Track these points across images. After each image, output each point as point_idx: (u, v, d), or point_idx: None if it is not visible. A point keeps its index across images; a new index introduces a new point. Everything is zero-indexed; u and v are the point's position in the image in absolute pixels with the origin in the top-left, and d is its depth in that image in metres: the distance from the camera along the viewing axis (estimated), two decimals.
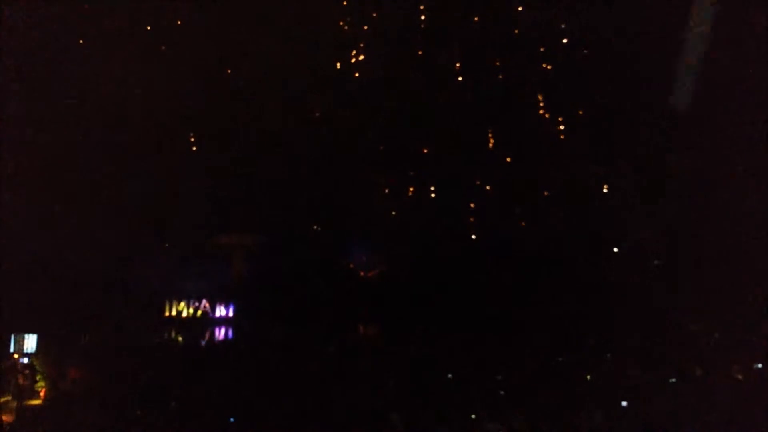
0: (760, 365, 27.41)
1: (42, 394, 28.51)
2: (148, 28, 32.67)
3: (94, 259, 29.51)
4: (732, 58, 27.93)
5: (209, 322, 32.10)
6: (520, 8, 33.64)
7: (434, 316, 28.75)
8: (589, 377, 29.02)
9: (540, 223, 30.79)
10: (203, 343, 31.87)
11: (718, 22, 27.89)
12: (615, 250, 31.19)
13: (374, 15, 34.24)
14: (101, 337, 29.80)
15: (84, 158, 30.81)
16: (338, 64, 34.29)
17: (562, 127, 31.77)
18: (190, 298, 32.01)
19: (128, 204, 30.58)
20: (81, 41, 32.39)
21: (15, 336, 29.35)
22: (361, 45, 34.13)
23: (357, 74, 34.28)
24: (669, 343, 28.31)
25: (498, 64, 32.94)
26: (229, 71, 32.95)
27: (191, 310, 32.09)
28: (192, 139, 32.39)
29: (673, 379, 28.33)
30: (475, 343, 28.01)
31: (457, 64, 33.41)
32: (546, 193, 31.22)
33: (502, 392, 27.03)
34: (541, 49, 32.54)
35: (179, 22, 32.78)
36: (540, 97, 32.32)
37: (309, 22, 32.93)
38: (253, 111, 32.50)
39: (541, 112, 32.08)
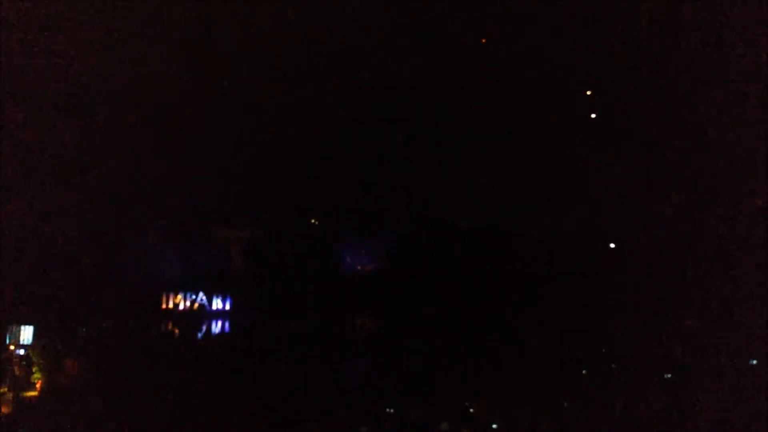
0: (755, 361, 27.58)
1: (38, 385, 28.48)
2: (146, 20, 32.47)
3: (90, 250, 29.40)
4: (732, 56, 28.05)
5: (206, 315, 32.14)
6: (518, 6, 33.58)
7: (432, 309, 28.85)
8: (584, 372, 29.25)
9: (538, 218, 30.85)
10: (200, 336, 31.91)
11: (718, 20, 27.99)
12: (612, 245, 31.29)
13: (370, 8, 34.14)
14: (97, 329, 29.75)
15: (80, 149, 30.63)
16: (334, 60, 34.21)
17: (562, 123, 31.82)
18: (187, 290, 32.03)
19: (125, 196, 30.43)
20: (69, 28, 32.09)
21: (11, 327, 29.24)
22: (359, 39, 34.04)
23: (354, 69, 34.23)
24: (664, 339, 28.48)
25: (497, 59, 32.89)
26: (228, 64, 32.78)
27: (188, 303, 32.11)
28: (190, 132, 32.20)
29: (668, 375, 28.57)
30: (473, 336, 28.15)
31: (455, 58, 33.34)
32: (543, 189, 31.22)
33: (499, 385, 27.18)
34: (541, 46, 32.49)
35: (180, 16, 32.59)
36: (539, 93, 32.32)
37: (309, 17, 32.85)
38: (253, 104, 32.39)
39: (540, 108, 32.09)
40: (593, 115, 31.66)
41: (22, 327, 29.37)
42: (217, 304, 32.43)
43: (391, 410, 26.31)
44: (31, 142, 29.31)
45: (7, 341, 29.10)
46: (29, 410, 26.95)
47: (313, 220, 33.17)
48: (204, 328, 32.08)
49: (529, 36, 31.74)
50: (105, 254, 29.77)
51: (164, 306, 31.85)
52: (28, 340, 29.39)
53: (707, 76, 28.79)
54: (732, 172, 28.44)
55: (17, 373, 28.48)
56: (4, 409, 26.65)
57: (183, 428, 25.36)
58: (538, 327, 28.76)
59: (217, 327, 32.34)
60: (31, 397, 27.92)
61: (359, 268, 32.64)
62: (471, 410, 27.16)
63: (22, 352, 29.12)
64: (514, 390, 27.15)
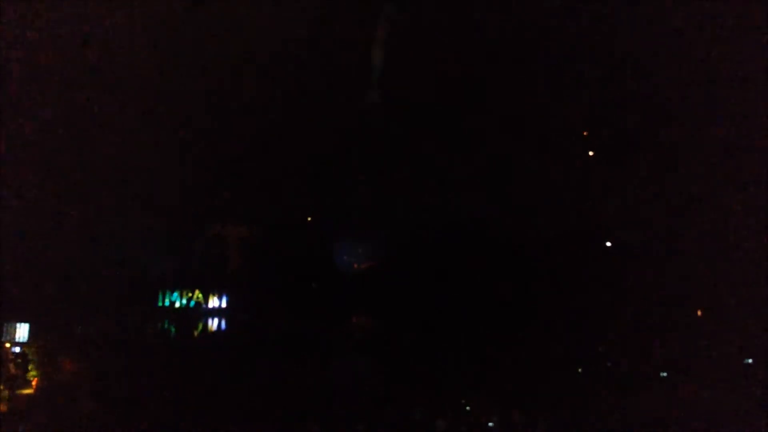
0: (750, 360, 27.69)
1: (34, 383, 28.39)
2: (147, 19, 32.35)
3: (86, 248, 29.32)
4: (732, 56, 28.11)
5: (202, 312, 32.11)
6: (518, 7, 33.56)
7: (429, 308, 28.87)
8: (580, 370, 29.33)
9: (536, 217, 30.87)
10: (196, 334, 31.89)
11: (718, 20, 28.04)
12: (608, 244, 31.35)
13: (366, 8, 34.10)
14: (93, 326, 29.68)
15: (76, 149, 30.52)
16: (332, 59, 34.14)
17: (560, 124, 31.86)
18: (183, 288, 31.99)
19: (122, 194, 30.36)
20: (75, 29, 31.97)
21: (6, 325, 29.13)
22: (356, 38, 33.99)
23: (352, 68, 34.19)
24: (661, 337, 28.56)
25: (496, 58, 32.88)
26: (226, 62, 32.68)
27: (184, 301, 32.08)
28: (187, 131, 32.14)
29: (665, 373, 28.67)
30: (470, 335, 28.20)
31: (456, 58, 33.32)
32: (541, 188, 31.26)
33: (496, 384, 27.25)
34: (539, 45, 32.50)
35: (181, 18, 32.49)
36: (537, 93, 32.34)
37: (307, 15, 32.78)
38: (249, 103, 32.32)
39: (539, 108, 32.11)
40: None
41: (18, 324, 29.25)
42: (213, 302, 32.39)
43: (389, 409, 26.31)
44: (28, 142, 29.18)
45: (3, 339, 29.00)
46: (25, 408, 26.89)
47: (309, 218, 33.13)
48: (200, 326, 32.06)
49: (533, 36, 31.76)
50: (101, 252, 29.71)
51: (161, 304, 31.83)
52: (23, 337, 29.27)
53: (707, 76, 28.87)
54: (732, 172, 28.52)
55: (13, 371, 28.37)
56: (1, 407, 26.58)
57: (180, 427, 25.33)
58: (535, 326, 28.79)
59: (213, 325, 32.32)
60: (27, 395, 27.85)
61: (356, 266, 32.63)
62: (468, 408, 27.24)
63: (17, 349, 29.01)
64: (511, 388, 27.21)
